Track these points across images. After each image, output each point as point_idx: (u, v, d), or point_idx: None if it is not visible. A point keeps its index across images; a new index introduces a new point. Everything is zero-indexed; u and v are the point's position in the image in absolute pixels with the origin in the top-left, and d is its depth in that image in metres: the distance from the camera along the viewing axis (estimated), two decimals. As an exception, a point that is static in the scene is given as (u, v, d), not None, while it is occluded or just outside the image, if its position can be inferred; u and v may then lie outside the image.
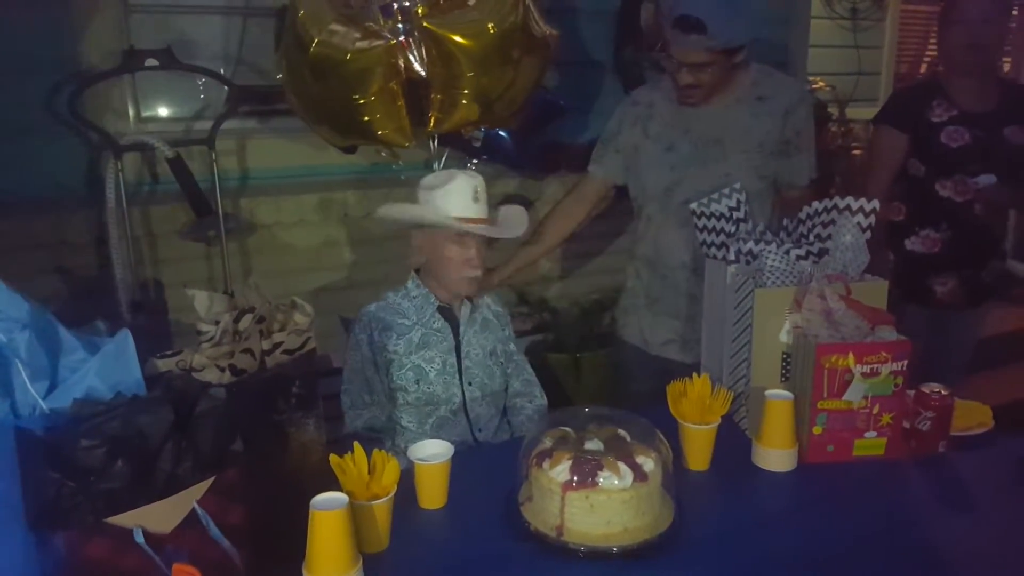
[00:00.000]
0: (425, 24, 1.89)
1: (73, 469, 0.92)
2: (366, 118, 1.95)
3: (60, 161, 2.43)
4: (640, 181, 2.01)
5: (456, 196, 1.68)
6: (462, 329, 1.79)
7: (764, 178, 1.93)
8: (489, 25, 1.91)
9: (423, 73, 1.93)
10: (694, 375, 1.54)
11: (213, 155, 2.34)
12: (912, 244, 2.32)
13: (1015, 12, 4.55)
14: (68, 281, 2.37)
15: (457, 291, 1.78)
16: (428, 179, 1.75)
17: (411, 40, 1.92)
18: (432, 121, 2.01)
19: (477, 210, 1.70)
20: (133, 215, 2.34)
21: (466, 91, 1.95)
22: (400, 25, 1.92)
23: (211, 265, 2.53)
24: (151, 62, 2.20)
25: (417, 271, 1.81)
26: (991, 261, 2.34)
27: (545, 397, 1.91)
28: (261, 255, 2.62)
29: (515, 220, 1.83)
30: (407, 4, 1.91)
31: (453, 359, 1.77)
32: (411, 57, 1.92)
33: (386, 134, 1.97)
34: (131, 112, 2.54)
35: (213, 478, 0.99)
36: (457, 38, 1.89)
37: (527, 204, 2.79)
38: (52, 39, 2.34)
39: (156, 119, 2.60)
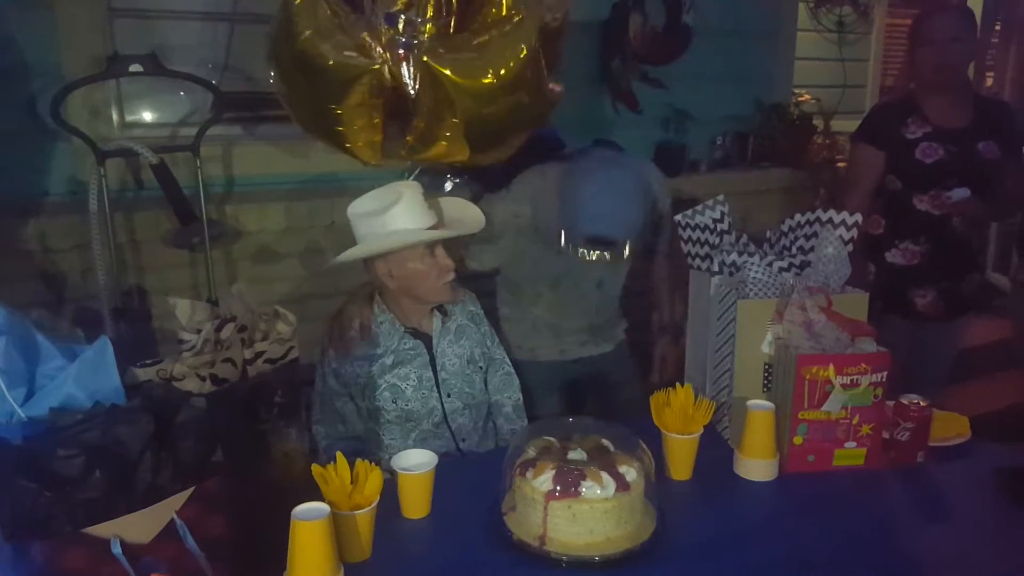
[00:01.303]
0: (425, 59, 1.78)
1: (50, 478, 0.91)
2: (340, 127, 1.90)
3: (43, 166, 2.41)
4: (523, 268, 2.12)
5: (411, 211, 1.61)
6: (435, 342, 1.75)
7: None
8: (489, 71, 1.84)
9: (412, 92, 1.88)
10: (677, 385, 1.55)
11: (198, 161, 2.33)
12: (892, 256, 2.36)
13: (997, 28, 4.64)
14: (50, 287, 2.34)
15: (437, 300, 1.73)
16: (365, 204, 1.64)
17: (410, 56, 1.87)
18: (408, 147, 1.97)
19: (432, 216, 1.66)
20: (117, 221, 2.32)
21: (448, 132, 1.89)
22: (402, 39, 1.87)
23: (195, 272, 2.51)
24: (135, 67, 2.19)
25: (381, 294, 1.75)
26: (970, 273, 2.37)
27: (520, 392, 1.88)
28: (246, 262, 2.60)
29: (464, 211, 1.78)
30: (415, 19, 1.84)
31: (429, 373, 1.74)
32: (404, 73, 1.87)
33: (355, 148, 1.93)
34: (115, 118, 2.52)
35: (193, 488, 0.98)
36: (452, 75, 1.78)
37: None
38: (36, 44, 2.33)
39: (141, 124, 2.59)
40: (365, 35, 1.80)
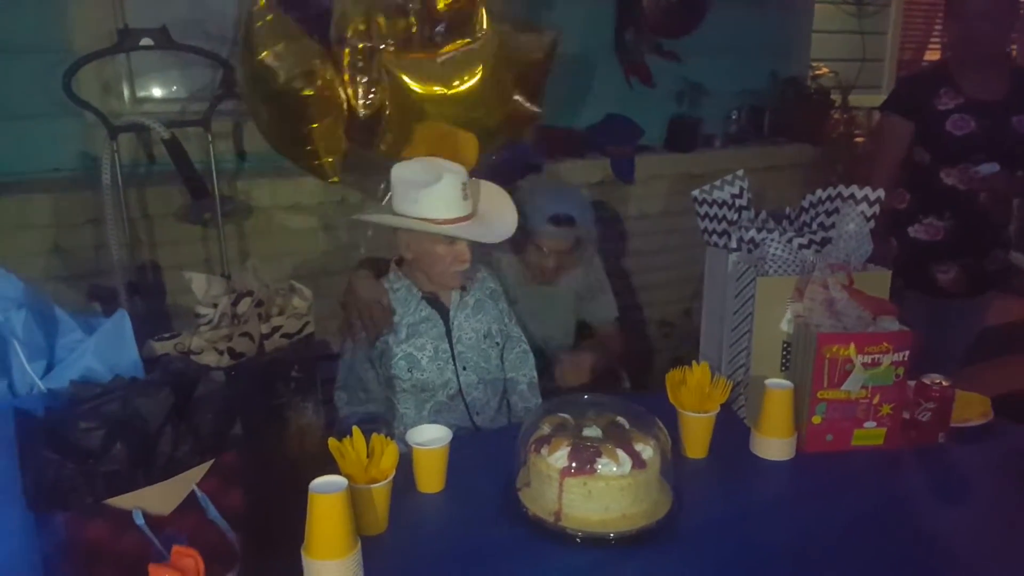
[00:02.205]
0: (386, 65, 1.81)
1: (72, 450, 0.91)
2: (304, 146, 1.91)
3: (55, 142, 2.40)
4: None
5: (444, 197, 1.59)
6: (452, 314, 1.77)
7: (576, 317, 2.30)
8: (445, 82, 1.84)
9: (361, 114, 1.84)
10: (693, 363, 1.54)
11: (209, 136, 2.31)
12: (915, 232, 2.32)
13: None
14: (64, 262, 2.35)
15: (445, 284, 1.74)
16: (409, 172, 1.63)
17: (366, 75, 1.83)
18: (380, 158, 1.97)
19: (465, 207, 1.63)
20: (129, 196, 2.31)
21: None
22: (359, 61, 1.83)
23: (208, 247, 2.50)
24: (146, 41, 2.16)
25: (399, 262, 1.78)
26: (994, 250, 2.34)
27: (535, 371, 1.89)
28: (258, 238, 2.60)
29: (500, 207, 1.74)
30: (371, 44, 1.82)
31: (445, 345, 1.75)
32: (359, 93, 1.85)
33: (322, 165, 1.93)
34: (126, 92, 2.50)
35: (212, 461, 0.98)
36: (410, 82, 1.81)
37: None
38: (46, 19, 2.31)
39: (151, 99, 2.57)
40: (317, 61, 1.80)
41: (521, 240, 2.04)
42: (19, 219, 2.25)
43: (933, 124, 2.23)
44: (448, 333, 1.76)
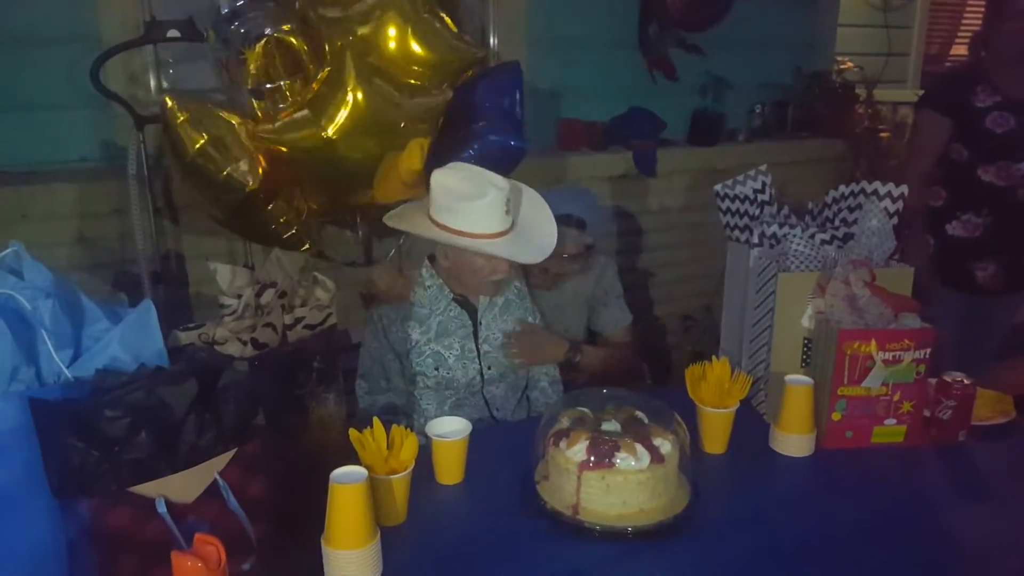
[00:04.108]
0: (259, 133, 1.82)
1: (97, 438, 0.93)
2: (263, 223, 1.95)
3: (83, 132, 2.44)
4: None
5: (488, 213, 1.54)
6: (480, 314, 1.77)
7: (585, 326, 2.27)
8: (330, 129, 1.84)
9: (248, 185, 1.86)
10: (713, 358, 1.53)
11: (234, 127, 2.33)
12: (953, 229, 2.31)
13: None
14: (89, 252, 2.38)
15: (478, 293, 1.74)
16: (453, 179, 1.57)
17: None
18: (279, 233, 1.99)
19: (506, 221, 1.58)
20: (155, 186, 2.35)
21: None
22: (272, 108, 1.86)
23: (231, 238, 2.53)
24: (173, 33, 2.18)
25: (431, 258, 1.77)
26: None
27: (557, 369, 1.89)
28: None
29: (541, 223, 1.69)
30: (276, 85, 1.85)
31: (471, 344, 1.76)
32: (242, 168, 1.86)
33: (284, 239, 1.98)
34: (152, 83, 2.53)
35: (235, 450, 1.00)
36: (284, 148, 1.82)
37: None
38: (74, 10, 2.33)
39: (178, 89, 2.59)
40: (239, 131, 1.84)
41: None
42: (46, 208, 2.29)
43: (972, 121, 2.22)
44: (475, 333, 1.77)
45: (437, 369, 1.73)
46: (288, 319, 1.25)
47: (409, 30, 1.92)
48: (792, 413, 1.44)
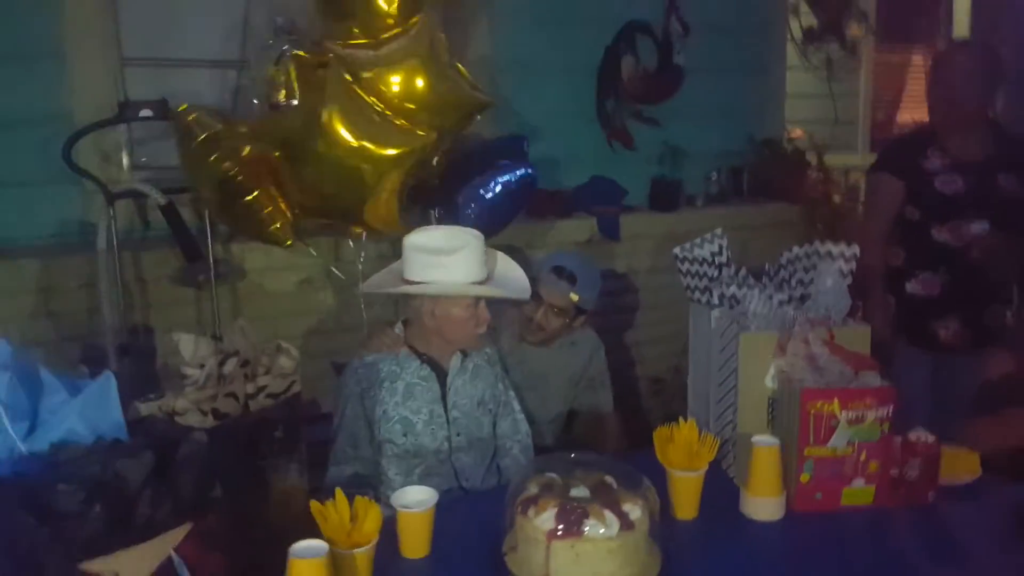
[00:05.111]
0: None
1: (49, 513, 0.91)
2: (250, 216, 2.09)
3: (55, 209, 2.46)
4: None
5: (471, 262, 1.64)
6: (450, 378, 1.77)
7: (569, 406, 2.30)
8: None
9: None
10: (680, 420, 1.53)
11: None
12: (912, 287, 2.35)
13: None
14: (57, 326, 2.36)
15: (466, 346, 1.78)
16: (429, 240, 1.65)
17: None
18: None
19: (484, 271, 1.68)
20: (124, 260, 2.35)
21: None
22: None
23: (200, 309, 2.52)
24: (146, 112, 2.24)
25: (404, 321, 1.80)
26: (993, 305, 2.36)
27: (530, 436, 1.89)
28: (251, 299, 2.62)
29: (511, 271, 1.79)
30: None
31: (440, 409, 1.75)
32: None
33: (272, 232, 2.09)
34: (125, 161, 2.57)
35: (191, 524, 0.97)
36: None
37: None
38: (50, 91, 2.39)
39: (150, 168, 2.64)
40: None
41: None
42: (14, 284, 2.28)
43: (922, 183, 2.29)
44: (444, 397, 1.76)
45: (405, 436, 1.72)
46: (250, 388, 1.24)
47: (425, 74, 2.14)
48: (760, 475, 1.44)
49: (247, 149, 2.05)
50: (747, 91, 3.52)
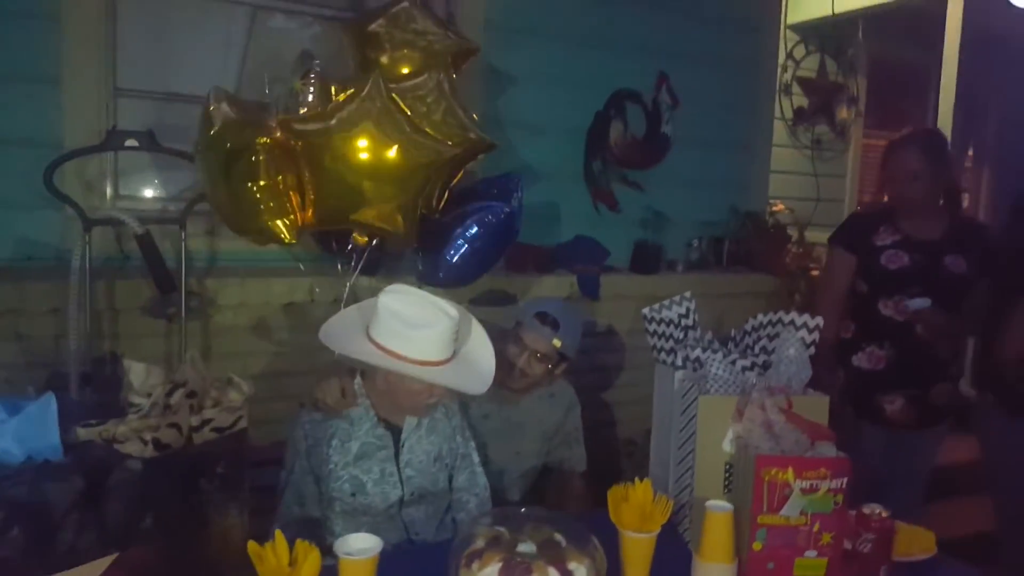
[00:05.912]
0: (294, 125, 2.03)
1: (-35, 535, 0.88)
2: (256, 210, 2.06)
3: (33, 233, 2.46)
4: None
5: (435, 342, 1.57)
6: (404, 435, 1.73)
7: (543, 461, 2.27)
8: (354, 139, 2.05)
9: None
10: (636, 480, 1.52)
11: (183, 234, 2.37)
12: (858, 360, 2.39)
13: (970, 153, 4.87)
14: (24, 349, 2.33)
15: (413, 414, 1.73)
16: (402, 304, 1.58)
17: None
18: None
19: (449, 350, 1.61)
20: (98, 288, 2.34)
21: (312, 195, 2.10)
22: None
23: (170, 342, 2.50)
24: (131, 142, 2.27)
25: (363, 374, 1.74)
26: (939, 383, 2.37)
27: (488, 489, 1.85)
28: (223, 336, 2.60)
29: (482, 354, 1.71)
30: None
31: (392, 467, 1.71)
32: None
33: (275, 229, 2.07)
34: (109, 190, 2.59)
35: (116, 554, 0.95)
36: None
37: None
38: (42, 116, 2.42)
39: (133, 198, 2.66)
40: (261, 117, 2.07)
41: (504, 333, 2.06)
42: (-19, 304, 2.26)
43: (869, 257, 2.37)
44: (396, 456, 1.72)
45: (354, 495, 1.67)
46: (195, 420, 1.22)
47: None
48: (712, 541, 1.41)
49: (277, 133, 2.03)
50: (732, 165, 3.62)
